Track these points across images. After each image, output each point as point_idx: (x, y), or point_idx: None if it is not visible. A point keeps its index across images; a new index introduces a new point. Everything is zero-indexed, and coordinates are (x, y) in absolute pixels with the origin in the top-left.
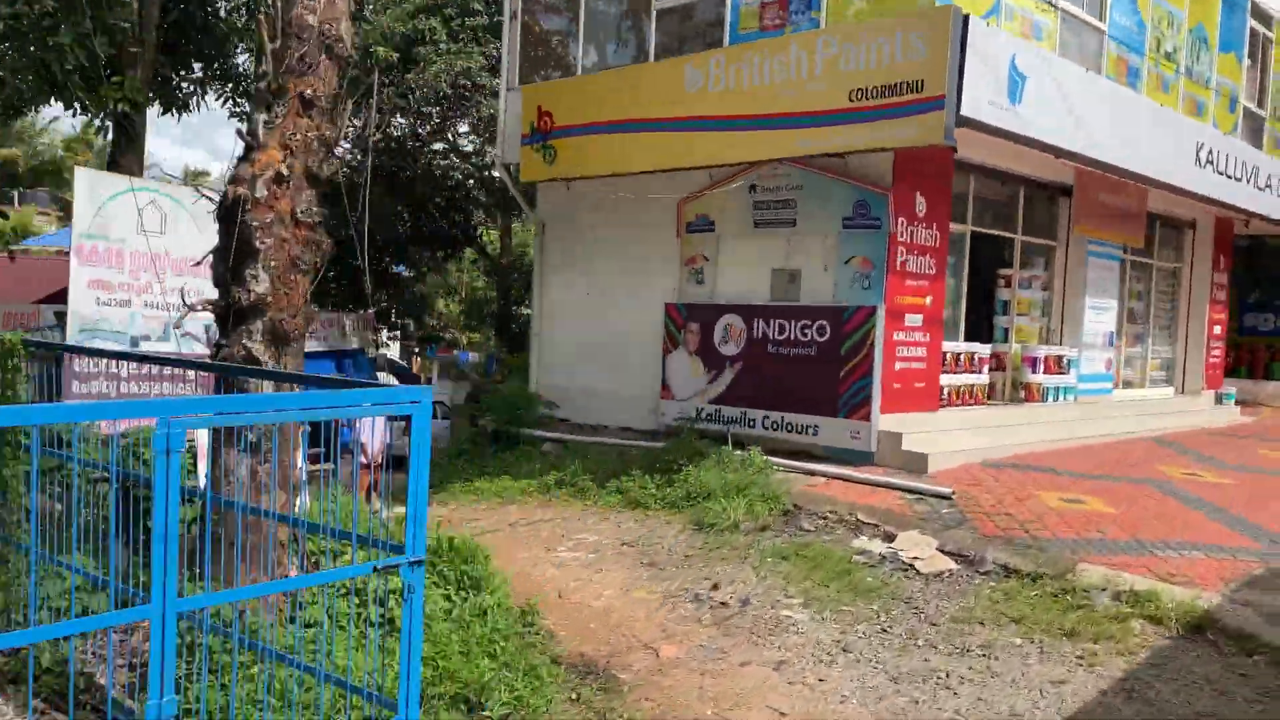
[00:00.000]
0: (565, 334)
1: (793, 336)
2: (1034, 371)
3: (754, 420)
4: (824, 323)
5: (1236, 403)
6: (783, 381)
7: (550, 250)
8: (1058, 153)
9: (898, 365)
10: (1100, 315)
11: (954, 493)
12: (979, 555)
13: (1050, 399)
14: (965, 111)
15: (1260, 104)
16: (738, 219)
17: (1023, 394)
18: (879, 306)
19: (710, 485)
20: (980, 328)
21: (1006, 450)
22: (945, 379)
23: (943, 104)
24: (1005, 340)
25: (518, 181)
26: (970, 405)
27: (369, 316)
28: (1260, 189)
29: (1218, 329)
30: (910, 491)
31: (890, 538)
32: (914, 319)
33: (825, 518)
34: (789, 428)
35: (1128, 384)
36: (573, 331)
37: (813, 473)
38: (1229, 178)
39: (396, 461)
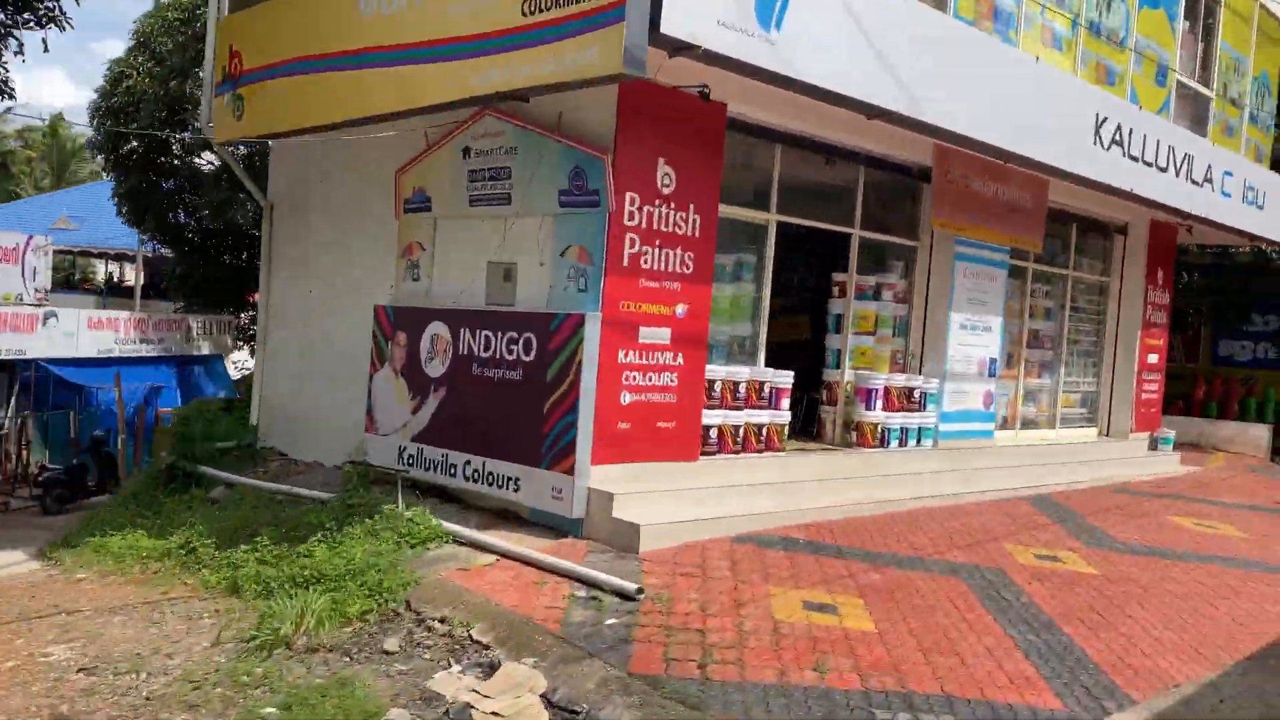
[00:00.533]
0: (289, 342)
1: (499, 354)
2: (869, 407)
3: (455, 467)
4: (530, 336)
5: (1177, 447)
6: (487, 415)
7: (278, 237)
8: (868, 110)
9: (628, 397)
10: (976, 336)
11: (642, 590)
12: (591, 714)
13: (894, 443)
14: (668, 29)
15: (1205, 81)
16: (453, 194)
17: (854, 436)
18: (590, 314)
19: (327, 566)
20: (810, 350)
21: (797, 516)
22: (715, 416)
23: (623, 13)
24: (838, 366)
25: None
26: (760, 453)
27: (232, 320)
28: (1198, 184)
29: (1153, 357)
30: (588, 584)
31: (491, 670)
32: (655, 334)
33: (431, 629)
34: (491, 479)
35: (1028, 424)
36: (296, 340)
37: (484, 548)
38: (1149, 166)
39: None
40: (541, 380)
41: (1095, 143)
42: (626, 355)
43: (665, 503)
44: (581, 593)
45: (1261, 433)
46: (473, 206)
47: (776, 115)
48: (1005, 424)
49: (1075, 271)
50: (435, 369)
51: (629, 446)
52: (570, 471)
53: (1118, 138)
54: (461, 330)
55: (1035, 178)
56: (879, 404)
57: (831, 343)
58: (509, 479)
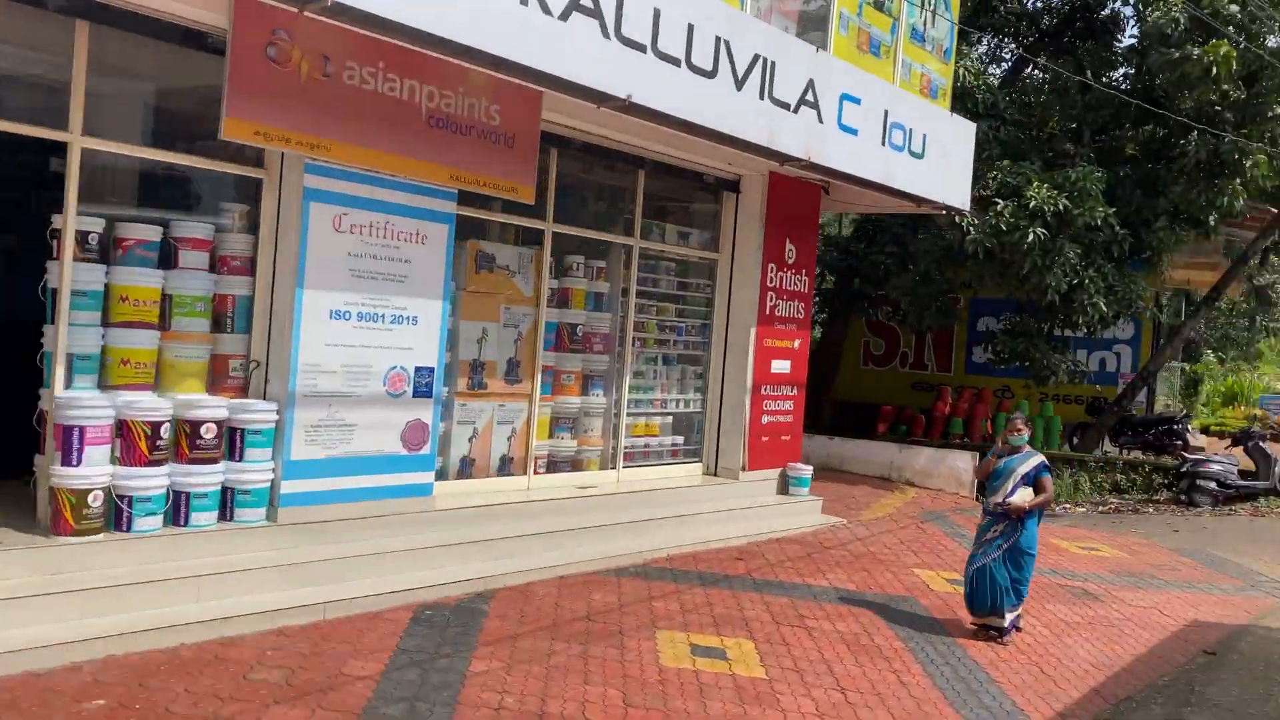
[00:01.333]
0: None
1: None
2: (70, 460)
3: None
4: None
5: (858, 483)
6: None
7: None
8: None
9: None
10: (379, 332)
11: None
12: None
13: (145, 520)
14: None
15: None
16: None
17: (49, 517)
18: None
19: None
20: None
21: None
22: None
23: None
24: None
25: None
26: None
27: None
28: (785, 106)
29: (782, 365)
30: None
31: None
32: None
33: None
34: None
35: (562, 464)
36: None
37: None
38: (671, 62)
39: None
40: None
41: (534, 5)
42: None
43: None
44: None
45: (963, 463)
46: None
47: None
48: (507, 467)
49: (645, 240)
50: None
51: None
52: None
53: (591, 5)
54: None
55: (504, 82)
56: (99, 455)
57: (48, 340)
58: None
